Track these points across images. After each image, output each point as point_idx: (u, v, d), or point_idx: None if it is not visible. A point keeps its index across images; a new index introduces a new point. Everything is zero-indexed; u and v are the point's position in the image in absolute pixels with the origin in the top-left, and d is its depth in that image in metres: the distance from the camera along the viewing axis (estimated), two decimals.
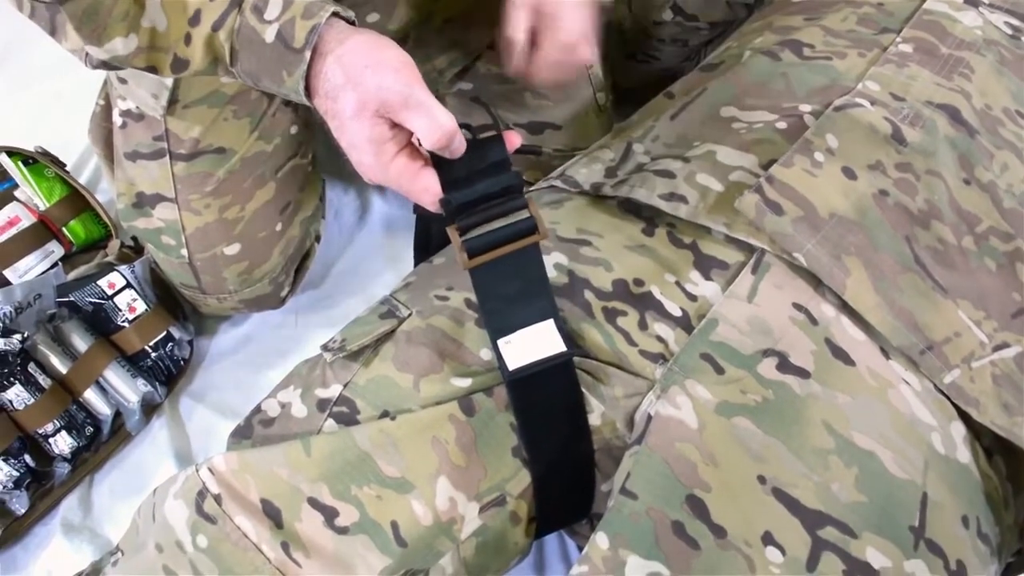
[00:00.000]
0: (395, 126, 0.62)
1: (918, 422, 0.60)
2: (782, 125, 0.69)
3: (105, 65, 0.68)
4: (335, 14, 0.62)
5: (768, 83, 0.73)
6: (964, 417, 0.62)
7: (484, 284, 0.61)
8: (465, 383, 0.63)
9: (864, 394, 0.61)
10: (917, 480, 0.58)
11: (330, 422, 0.64)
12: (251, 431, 0.67)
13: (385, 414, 0.63)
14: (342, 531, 0.61)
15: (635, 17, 1.01)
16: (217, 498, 0.62)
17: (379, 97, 0.60)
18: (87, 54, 0.66)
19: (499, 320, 0.62)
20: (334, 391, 0.65)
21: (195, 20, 0.64)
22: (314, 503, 0.61)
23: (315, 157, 0.95)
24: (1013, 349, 0.63)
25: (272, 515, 0.61)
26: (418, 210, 0.88)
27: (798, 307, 0.63)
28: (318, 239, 0.98)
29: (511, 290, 0.62)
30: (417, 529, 0.61)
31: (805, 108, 0.69)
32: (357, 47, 0.61)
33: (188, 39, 0.64)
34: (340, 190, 1.08)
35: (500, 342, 0.61)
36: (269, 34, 0.62)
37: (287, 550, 0.60)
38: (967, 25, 0.74)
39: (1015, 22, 0.75)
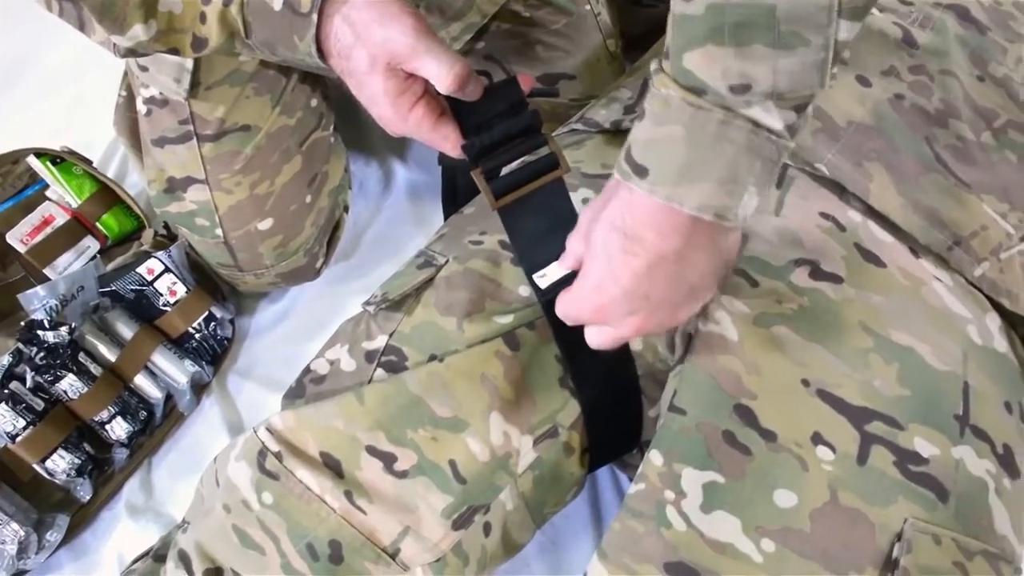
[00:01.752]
0: (409, 76, 0.63)
1: (953, 315, 0.62)
2: None
3: (132, 52, 0.70)
4: None
5: None
6: (998, 308, 0.63)
7: (514, 223, 0.63)
8: (507, 320, 0.65)
9: (898, 293, 0.62)
10: (957, 371, 0.60)
11: (380, 372, 0.66)
12: (303, 390, 0.69)
13: (433, 358, 0.65)
14: (402, 475, 0.63)
15: None
16: (278, 455, 0.64)
17: (388, 49, 0.62)
18: (114, 44, 0.69)
19: (532, 256, 0.63)
20: (380, 342, 0.67)
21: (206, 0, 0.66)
22: (372, 450, 0.63)
23: (336, 128, 0.97)
24: None
25: (332, 466, 0.63)
26: (443, 160, 0.90)
27: (825, 215, 0.64)
28: (346, 209, 1.00)
29: (541, 226, 0.63)
30: (475, 466, 0.63)
31: None
32: (362, 4, 0.63)
33: (203, 17, 0.67)
34: (362, 162, 1.10)
35: (535, 276, 0.63)
36: (277, 2, 0.64)
37: (350, 498, 0.62)
38: None
39: None
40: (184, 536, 0.67)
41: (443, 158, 0.94)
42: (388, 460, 0.63)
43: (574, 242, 0.56)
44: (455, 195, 0.89)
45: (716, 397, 0.59)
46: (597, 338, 0.56)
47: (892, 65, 0.67)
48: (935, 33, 0.68)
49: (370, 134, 1.10)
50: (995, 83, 0.67)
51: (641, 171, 0.48)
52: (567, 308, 0.56)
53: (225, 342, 0.94)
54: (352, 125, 1.05)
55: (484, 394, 0.63)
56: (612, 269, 0.51)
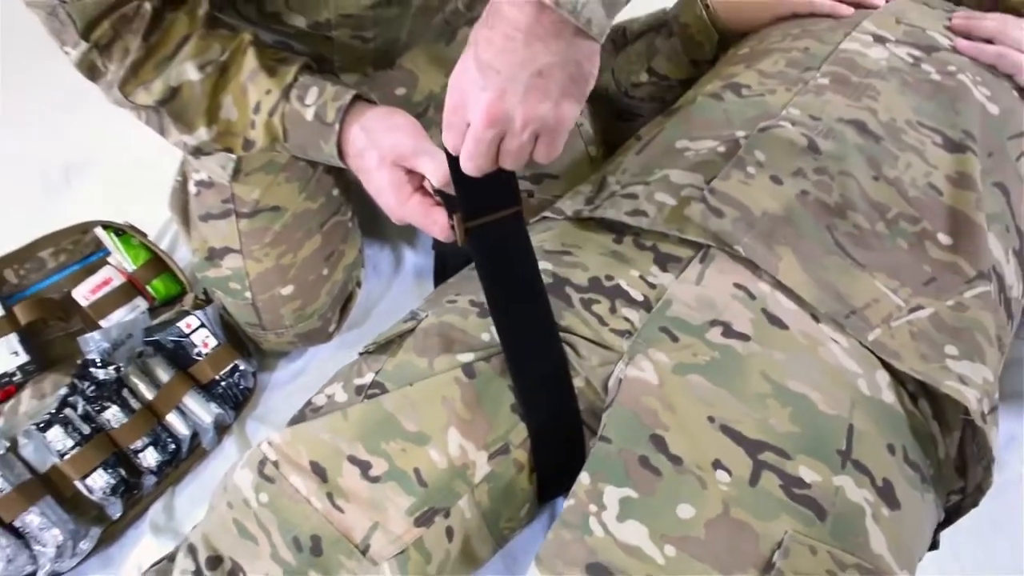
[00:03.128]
0: (409, 172, 0.80)
1: (845, 371, 0.72)
2: (721, 149, 0.84)
3: (197, 150, 0.89)
4: (357, 96, 0.82)
5: (712, 118, 0.89)
6: (888, 368, 0.73)
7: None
8: (468, 357, 0.78)
9: (797, 351, 0.73)
10: (844, 415, 0.70)
11: (365, 400, 0.79)
12: (303, 418, 0.82)
13: (409, 385, 0.78)
14: (375, 480, 0.74)
15: (617, 82, 1.18)
16: (275, 464, 0.76)
17: (394, 151, 0.79)
18: (184, 143, 0.88)
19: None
20: (368, 378, 0.80)
21: (256, 110, 0.85)
22: (352, 459, 0.74)
23: (355, 215, 1.13)
24: (926, 310, 0.76)
25: (319, 473, 0.74)
26: (435, 245, 1.06)
27: (738, 286, 0.76)
28: (359, 284, 1.15)
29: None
30: (436, 472, 0.74)
31: (740, 133, 0.84)
32: (375, 116, 0.81)
33: (253, 124, 0.86)
34: (377, 247, 1.26)
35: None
36: (308, 114, 0.82)
37: (331, 499, 0.74)
38: (874, 58, 0.89)
39: (916, 53, 0.90)
40: (193, 532, 0.79)
41: (436, 243, 1.11)
42: (365, 467, 0.74)
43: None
44: (444, 273, 1.04)
45: (636, 429, 0.71)
46: (468, 147, 0.65)
47: (800, 167, 0.80)
48: (835, 141, 0.81)
49: (385, 224, 1.26)
50: (888, 183, 0.80)
51: None
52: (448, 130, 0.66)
53: (247, 391, 1.08)
54: (370, 217, 1.22)
55: (443, 413, 0.75)
56: (473, 52, 0.61)
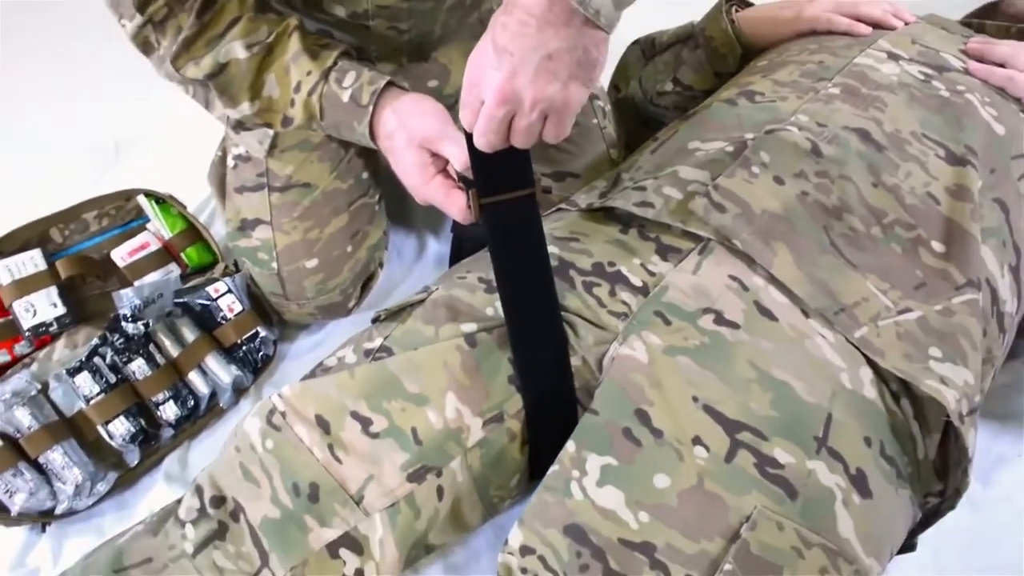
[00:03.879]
0: (434, 155, 0.85)
1: (829, 364, 0.75)
2: (730, 148, 0.88)
3: (239, 124, 0.94)
4: (390, 82, 0.87)
5: (725, 122, 0.92)
6: (872, 366, 0.76)
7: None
8: (472, 327, 0.82)
9: (784, 342, 0.76)
10: (824, 404, 0.73)
11: (373, 361, 0.83)
12: (314, 376, 0.87)
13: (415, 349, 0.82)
14: (374, 436, 0.78)
15: (644, 90, 1.22)
16: (283, 414, 0.80)
17: (421, 134, 0.84)
18: (227, 116, 0.93)
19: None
20: (377, 343, 0.85)
21: (297, 89, 0.91)
22: (355, 415, 0.79)
23: (382, 199, 1.18)
24: (915, 313, 0.78)
25: (323, 425, 0.79)
26: (454, 228, 1.11)
27: (733, 278, 0.79)
28: (381, 265, 1.20)
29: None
30: (431, 432, 0.78)
31: (748, 136, 0.88)
32: (406, 101, 0.87)
33: (292, 103, 0.91)
34: (403, 233, 1.31)
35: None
36: (345, 96, 0.88)
37: (332, 451, 0.78)
38: (885, 72, 0.93)
39: (928, 71, 0.93)
40: (201, 473, 0.84)
41: (454, 226, 1.15)
42: (366, 423, 0.78)
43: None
44: (460, 255, 1.09)
45: (622, 403, 0.74)
46: (481, 123, 0.69)
47: (802, 169, 0.83)
48: (838, 147, 0.84)
49: (412, 212, 1.32)
50: (886, 189, 0.83)
51: None
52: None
53: (266, 357, 1.13)
54: (399, 204, 1.28)
55: (444, 377, 0.79)
56: (490, 36, 0.66)
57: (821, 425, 0.73)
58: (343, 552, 0.78)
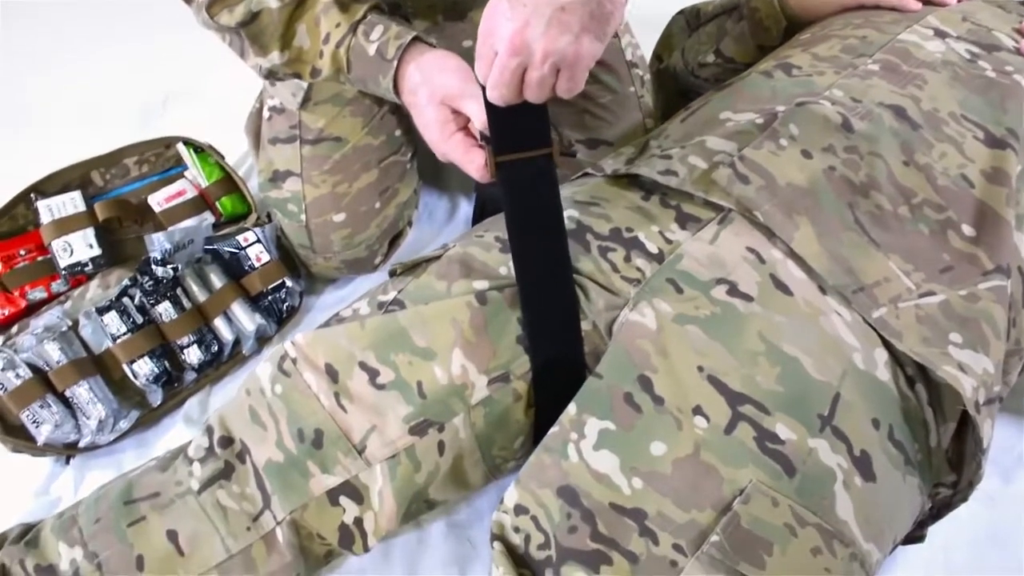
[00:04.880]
0: (455, 112, 0.85)
1: (843, 342, 0.73)
2: (759, 120, 0.85)
3: (270, 73, 0.95)
4: (416, 38, 0.87)
5: (759, 93, 0.90)
6: (888, 348, 0.74)
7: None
8: (483, 284, 0.81)
9: (797, 317, 0.74)
10: (833, 382, 0.71)
11: (385, 313, 0.84)
12: (328, 325, 0.88)
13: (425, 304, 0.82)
14: (380, 387, 0.78)
15: (686, 61, 1.20)
16: (294, 360, 0.81)
17: (444, 90, 0.84)
18: (259, 66, 0.94)
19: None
20: (391, 295, 0.85)
21: (326, 40, 0.91)
22: (363, 365, 0.79)
23: (415, 158, 1.18)
24: (938, 297, 0.76)
25: (331, 374, 0.80)
26: (477, 189, 1.10)
27: (751, 250, 0.78)
28: (410, 224, 1.21)
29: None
30: (436, 387, 0.78)
31: (780, 108, 0.86)
32: (431, 57, 0.86)
33: (321, 54, 0.91)
34: (436, 195, 1.32)
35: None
36: (371, 50, 0.88)
37: (337, 399, 0.79)
38: (929, 50, 0.89)
39: (976, 50, 0.90)
40: (213, 414, 0.86)
41: (477, 186, 1.15)
42: (373, 374, 0.79)
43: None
44: (483, 215, 1.08)
45: (627, 368, 0.74)
46: (493, 74, 0.69)
47: (831, 143, 0.81)
48: (871, 123, 0.82)
49: (447, 176, 1.32)
50: (918, 169, 0.80)
51: None
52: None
53: (291, 308, 1.15)
54: (434, 166, 1.27)
55: (451, 333, 0.79)
56: None
57: (828, 403, 0.71)
58: (343, 500, 0.79)
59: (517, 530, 0.73)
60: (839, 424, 0.70)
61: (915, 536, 0.81)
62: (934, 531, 0.81)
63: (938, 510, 0.80)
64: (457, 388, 0.78)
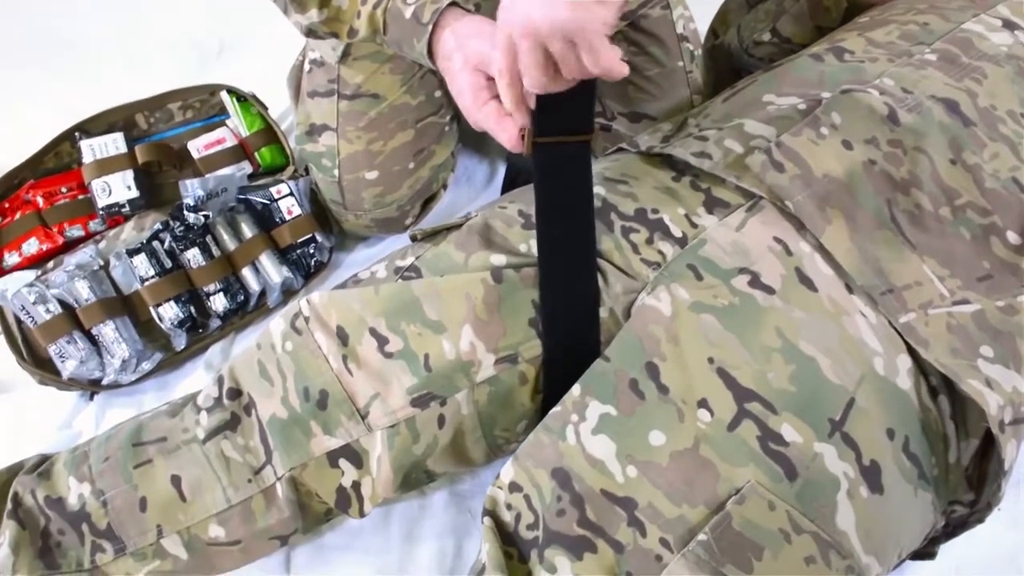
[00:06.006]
0: (489, 79, 0.82)
1: (864, 345, 0.70)
2: (802, 106, 0.81)
3: (310, 31, 0.95)
4: (454, 2, 0.85)
5: (806, 77, 0.86)
6: (913, 355, 0.71)
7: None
8: (501, 260, 0.79)
9: (819, 314, 0.71)
10: (848, 387, 0.68)
11: (400, 280, 0.83)
12: (345, 286, 0.87)
13: (440, 276, 0.81)
14: (388, 355, 0.78)
15: (741, 38, 1.15)
16: (307, 319, 0.81)
17: (478, 56, 0.81)
18: (299, 23, 0.94)
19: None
20: (408, 261, 0.84)
21: (364, 1, 0.89)
22: (373, 331, 0.78)
23: (454, 120, 1.16)
24: (972, 306, 0.72)
25: (341, 337, 0.79)
26: (509, 157, 1.08)
27: (778, 240, 0.75)
28: (445, 187, 1.19)
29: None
30: (442, 361, 0.77)
31: (825, 94, 0.82)
32: (467, 23, 0.84)
33: (359, 15, 0.90)
34: (476, 159, 1.30)
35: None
36: (408, 12, 0.86)
37: (345, 362, 0.78)
38: (995, 42, 0.84)
39: None
40: (224, 365, 0.87)
41: (509, 155, 1.12)
42: (382, 342, 0.78)
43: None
44: (514, 184, 1.06)
45: (636, 353, 0.72)
46: (523, 61, 0.67)
47: (874, 135, 0.77)
48: (919, 116, 0.77)
49: (489, 140, 1.29)
50: (965, 168, 0.76)
51: None
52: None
53: (320, 263, 1.15)
54: (476, 131, 1.25)
55: (463, 308, 0.77)
56: None
57: (840, 408, 0.68)
58: (343, 462, 0.79)
59: (509, 507, 0.72)
60: (850, 431, 0.67)
61: (925, 552, 0.78)
62: (948, 548, 0.78)
63: (952, 528, 0.77)
64: (464, 364, 0.77)
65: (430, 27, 0.85)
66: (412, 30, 0.86)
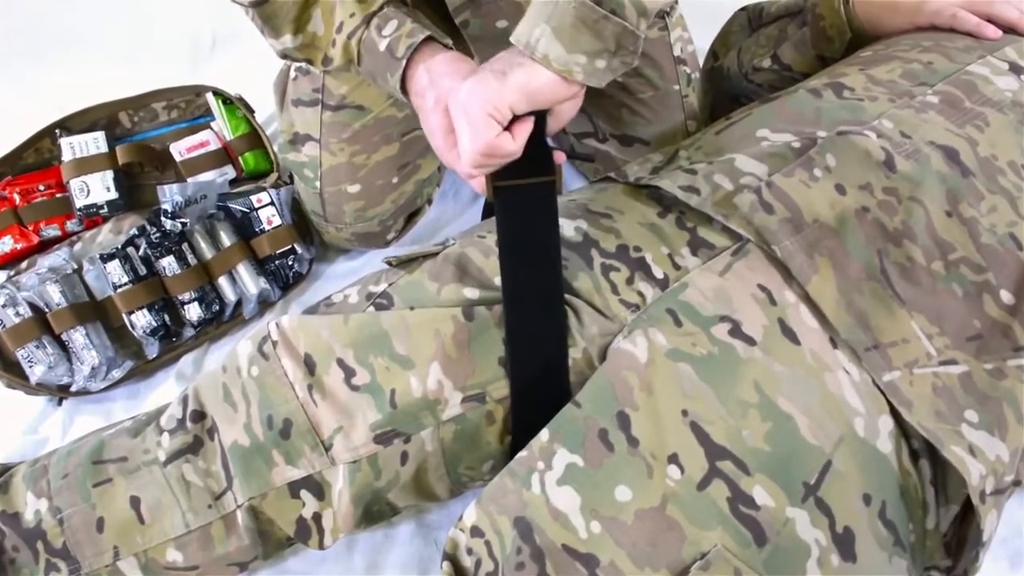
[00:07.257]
0: None
1: (845, 404, 0.68)
2: (796, 144, 0.79)
3: (284, 55, 0.92)
4: (429, 37, 0.82)
5: (802, 112, 0.83)
6: (896, 416, 0.68)
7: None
8: (474, 294, 0.77)
9: (800, 370, 0.69)
10: (826, 448, 0.66)
11: (371, 308, 0.80)
12: (316, 310, 0.84)
13: (411, 308, 0.79)
14: (355, 388, 0.76)
15: (741, 63, 1.12)
16: (274, 344, 0.79)
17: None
18: (273, 46, 0.91)
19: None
20: (382, 287, 0.82)
21: (339, 30, 0.87)
22: (341, 363, 0.76)
23: None
24: (960, 367, 0.69)
25: (309, 365, 0.77)
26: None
27: (762, 288, 0.72)
28: (430, 202, 1.17)
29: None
30: (408, 398, 0.75)
31: (821, 133, 0.79)
32: (442, 60, 0.81)
33: (334, 43, 0.87)
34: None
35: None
36: (382, 45, 0.83)
37: (311, 392, 0.76)
38: (1000, 87, 0.81)
39: None
40: (191, 384, 0.84)
41: None
42: (349, 374, 0.76)
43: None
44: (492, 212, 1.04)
45: (607, 401, 0.69)
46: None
47: (869, 181, 0.74)
48: (916, 164, 0.74)
49: None
50: (961, 221, 0.73)
51: None
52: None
53: (298, 275, 1.12)
54: None
55: (432, 345, 0.75)
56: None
57: (816, 471, 0.66)
58: (304, 494, 0.77)
59: (470, 552, 0.70)
60: (824, 495, 0.65)
61: None
62: None
63: None
64: (430, 403, 0.75)
65: (404, 62, 0.82)
66: (386, 64, 0.84)
